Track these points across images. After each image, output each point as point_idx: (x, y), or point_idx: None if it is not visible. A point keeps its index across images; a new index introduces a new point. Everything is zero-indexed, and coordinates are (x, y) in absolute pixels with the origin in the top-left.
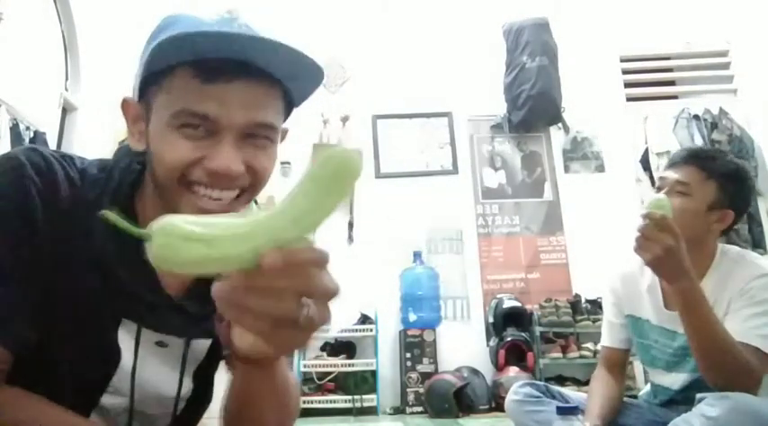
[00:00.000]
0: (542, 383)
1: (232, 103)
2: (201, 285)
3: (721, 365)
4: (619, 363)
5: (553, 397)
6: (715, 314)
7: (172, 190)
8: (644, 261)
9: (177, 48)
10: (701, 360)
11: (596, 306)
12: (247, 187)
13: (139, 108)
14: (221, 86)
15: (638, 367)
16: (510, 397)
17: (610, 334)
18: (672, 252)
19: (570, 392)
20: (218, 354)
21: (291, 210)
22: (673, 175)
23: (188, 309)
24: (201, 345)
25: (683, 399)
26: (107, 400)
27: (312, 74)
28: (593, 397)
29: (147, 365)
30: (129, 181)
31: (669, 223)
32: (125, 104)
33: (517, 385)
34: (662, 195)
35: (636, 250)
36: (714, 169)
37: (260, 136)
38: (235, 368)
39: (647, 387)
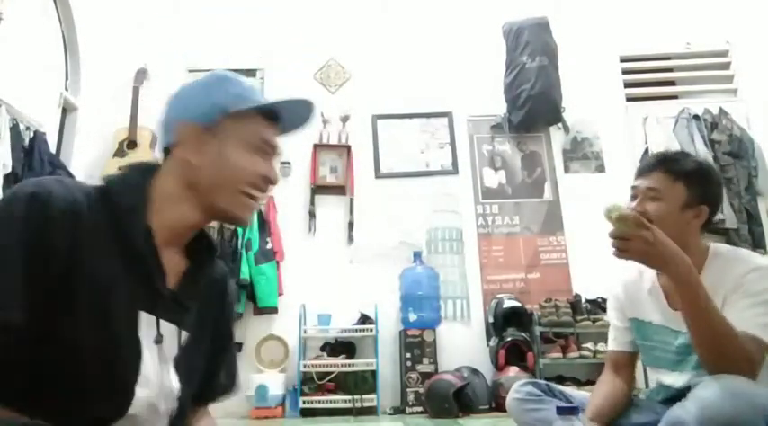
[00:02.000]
0: (544, 382)
1: (276, 136)
2: (190, 278)
3: (721, 352)
4: (625, 365)
5: (554, 396)
6: (713, 301)
7: (241, 190)
8: (633, 261)
9: (248, 103)
10: (701, 349)
11: (596, 305)
12: (264, 194)
13: (206, 132)
14: (273, 126)
15: (638, 367)
16: (511, 396)
17: (616, 338)
18: (652, 243)
19: (572, 391)
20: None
21: None
22: (643, 183)
23: (182, 299)
24: (182, 336)
25: (683, 396)
26: (140, 392)
27: (309, 113)
28: (594, 396)
29: (153, 360)
30: (144, 188)
31: (638, 218)
32: (190, 128)
33: (518, 383)
34: (612, 202)
35: (617, 255)
36: (679, 170)
37: (276, 159)
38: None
39: (651, 386)
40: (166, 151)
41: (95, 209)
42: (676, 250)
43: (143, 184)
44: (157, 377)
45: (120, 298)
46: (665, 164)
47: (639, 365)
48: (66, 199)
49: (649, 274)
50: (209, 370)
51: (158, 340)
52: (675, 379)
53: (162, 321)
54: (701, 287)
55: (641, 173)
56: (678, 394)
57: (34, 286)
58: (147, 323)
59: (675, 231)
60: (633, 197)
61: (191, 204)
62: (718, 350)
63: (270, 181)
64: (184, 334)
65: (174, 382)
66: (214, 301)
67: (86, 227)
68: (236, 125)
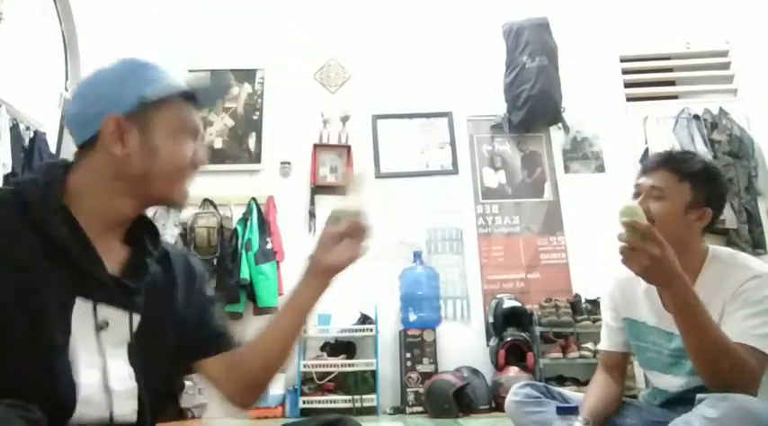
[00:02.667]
0: (542, 383)
1: (198, 118)
2: (134, 262)
3: (717, 366)
4: (618, 366)
5: (553, 398)
6: (710, 315)
7: (174, 177)
8: (634, 273)
9: (166, 88)
10: (696, 361)
11: (596, 305)
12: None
13: (127, 122)
14: (194, 108)
15: (637, 367)
16: (510, 398)
17: (608, 338)
18: (659, 261)
19: (570, 392)
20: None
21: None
22: (647, 181)
23: (127, 284)
24: (134, 321)
25: (681, 400)
26: (82, 386)
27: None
28: (588, 396)
29: (98, 347)
30: (58, 183)
31: (652, 232)
32: (113, 120)
33: (517, 385)
34: (632, 203)
35: (624, 262)
36: (685, 170)
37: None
38: (308, 278)
39: (648, 388)
40: (82, 146)
41: (7, 209)
42: (680, 272)
43: (56, 179)
44: (95, 367)
45: (40, 288)
46: (671, 163)
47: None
48: None
49: None
50: (200, 324)
51: (101, 326)
52: (669, 382)
53: (104, 306)
54: (698, 306)
55: (646, 170)
56: (676, 398)
57: None
58: (83, 310)
59: (677, 232)
60: (636, 195)
61: (120, 194)
62: (716, 365)
63: (197, 162)
64: (137, 318)
65: (123, 372)
66: (172, 278)
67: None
68: (158, 111)
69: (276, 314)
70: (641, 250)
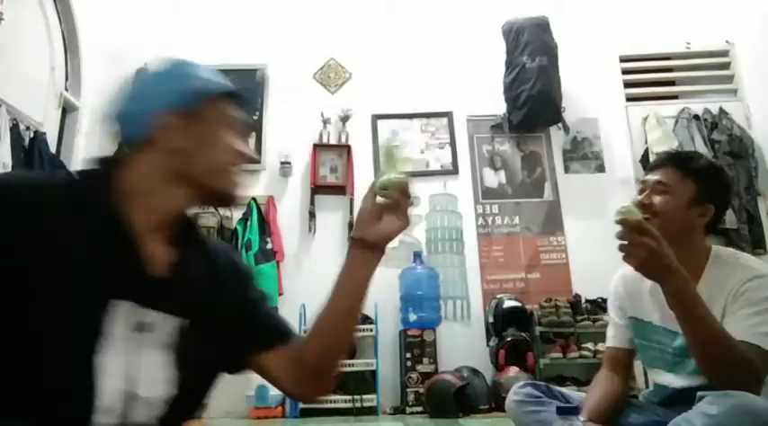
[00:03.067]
0: (543, 383)
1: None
2: (178, 263)
3: (720, 363)
4: (623, 363)
5: (554, 397)
6: (709, 309)
7: (231, 170)
8: (633, 268)
9: (218, 86)
10: (699, 359)
11: (596, 305)
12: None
13: (185, 118)
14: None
15: (638, 367)
16: (510, 398)
17: (615, 335)
18: (655, 252)
19: (571, 392)
20: (203, 339)
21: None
22: (652, 177)
23: (174, 287)
24: (181, 324)
25: (683, 398)
26: (106, 384)
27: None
28: (591, 395)
29: (132, 352)
30: (114, 180)
31: (645, 225)
32: (172, 116)
33: (517, 385)
34: (627, 203)
35: (624, 259)
36: (690, 167)
37: None
38: (355, 256)
39: (649, 387)
40: (130, 144)
41: (63, 200)
42: (676, 264)
43: (109, 174)
44: (126, 366)
45: (86, 285)
46: (676, 160)
47: (639, 364)
48: (28, 187)
49: None
50: (253, 320)
51: (139, 329)
52: (672, 381)
53: (148, 310)
54: (697, 300)
55: (652, 167)
56: (677, 396)
57: None
58: (121, 313)
59: (680, 227)
60: (641, 191)
61: (178, 188)
62: (717, 360)
63: (248, 157)
64: (180, 321)
65: (157, 375)
66: (217, 277)
67: (50, 215)
68: (213, 108)
69: (329, 299)
70: (637, 243)
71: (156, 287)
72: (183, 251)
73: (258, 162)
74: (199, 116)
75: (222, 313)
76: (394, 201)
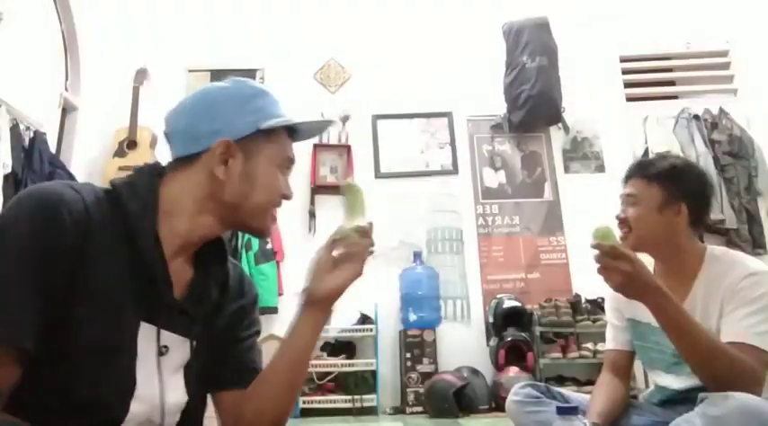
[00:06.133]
0: (543, 384)
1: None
2: (197, 286)
3: (714, 369)
4: (624, 365)
5: (554, 398)
6: (696, 320)
7: (265, 209)
8: (612, 290)
9: (278, 119)
10: (693, 367)
11: (596, 305)
12: None
13: (236, 147)
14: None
15: (638, 367)
16: (510, 398)
17: (614, 337)
18: (631, 276)
19: (571, 393)
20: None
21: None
22: (624, 190)
23: (188, 310)
24: (191, 345)
25: (683, 399)
26: (134, 407)
27: (319, 131)
28: (596, 398)
29: (151, 373)
30: (156, 197)
31: (619, 250)
32: (225, 144)
33: (517, 385)
34: (601, 224)
35: (605, 281)
36: (652, 173)
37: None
38: (305, 311)
39: (650, 388)
40: (180, 158)
41: (105, 214)
42: (655, 284)
43: (153, 190)
44: (153, 389)
45: (124, 305)
46: (639, 170)
47: (640, 365)
48: (76, 203)
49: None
50: (232, 354)
51: (162, 351)
52: (671, 382)
53: (166, 332)
54: (681, 315)
55: (624, 180)
56: (678, 397)
57: (44, 303)
58: (147, 335)
59: (658, 232)
60: (621, 205)
61: (210, 215)
62: (712, 368)
63: (287, 197)
64: (193, 344)
65: (179, 394)
66: (224, 304)
67: (95, 232)
68: (266, 142)
69: (277, 351)
70: (611, 268)
71: (176, 310)
72: (202, 271)
73: (290, 199)
74: (251, 148)
75: (215, 340)
76: (354, 251)
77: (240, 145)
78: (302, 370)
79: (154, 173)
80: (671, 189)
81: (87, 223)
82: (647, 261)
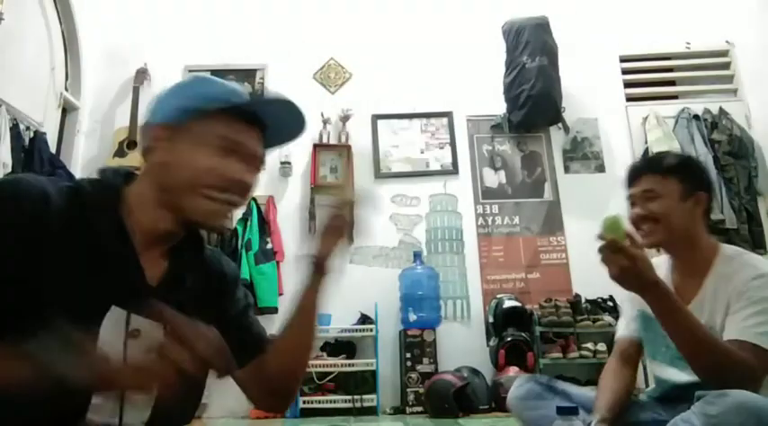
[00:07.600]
0: (545, 377)
1: (253, 139)
2: (173, 275)
3: (710, 366)
4: (633, 353)
5: (556, 393)
6: (695, 317)
7: (193, 193)
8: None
9: (216, 103)
10: (690, 362)
11: (596, 305)
12: (238, 199)
13: (165, 131)
14: (250, 129)
15: (639, 367)
16: (512, 393)
17: (627, 325)
18: (627, 271)
19: (573, 387)
20: None
21: None
22: (637, 189)
23: (165, 297)
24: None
25: (684, 395)
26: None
27: (299, 121)
28: (603, 390)
29: (116, 355)
30: (116, 191)
31: (619, 245)
32: (155, 129)
33: (519, 380)
34: (613, 213)
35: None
36: (666, 167)
37: (255, 165)
38: (313, 279)
39: (651, 384)
40: (144, 155)
41: (65, 205)
42: (654, 280)
43: (116, 186)
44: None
45: (85, 290)
46: (651, 166)
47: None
48: (36, 190)
49: (664, 268)
50: (236, 331)
51: (134, 334)
52: (673, 375)
53: (139, 317)
54: (680, 311)
55: (631, 180)
56: (678, 392)
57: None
58: (116, 318)
59: (683, 223)
60: (633, 204)
61: (164, 208)
62: (709, 365)
63: (240, 184)
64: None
65: None
66: (207, 288)
67: (53, 222)
68: (201, 125)
69: (286, 318)
70: (609, 261)
71: (146, 295)
72: (177, 264)
73: (240, 188)
74: (183, 131)
75: (207, 322)
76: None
77: (177, 130)
78: (309, 333)
79: (121, 173)
80: (688, 179)
81: (44, 212)
82: (662, 258)
